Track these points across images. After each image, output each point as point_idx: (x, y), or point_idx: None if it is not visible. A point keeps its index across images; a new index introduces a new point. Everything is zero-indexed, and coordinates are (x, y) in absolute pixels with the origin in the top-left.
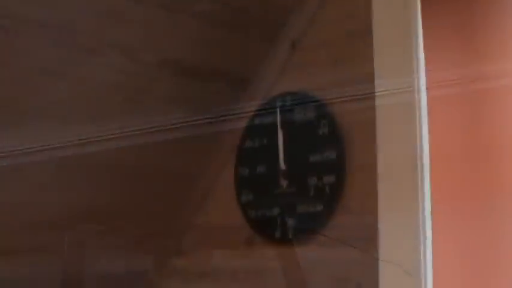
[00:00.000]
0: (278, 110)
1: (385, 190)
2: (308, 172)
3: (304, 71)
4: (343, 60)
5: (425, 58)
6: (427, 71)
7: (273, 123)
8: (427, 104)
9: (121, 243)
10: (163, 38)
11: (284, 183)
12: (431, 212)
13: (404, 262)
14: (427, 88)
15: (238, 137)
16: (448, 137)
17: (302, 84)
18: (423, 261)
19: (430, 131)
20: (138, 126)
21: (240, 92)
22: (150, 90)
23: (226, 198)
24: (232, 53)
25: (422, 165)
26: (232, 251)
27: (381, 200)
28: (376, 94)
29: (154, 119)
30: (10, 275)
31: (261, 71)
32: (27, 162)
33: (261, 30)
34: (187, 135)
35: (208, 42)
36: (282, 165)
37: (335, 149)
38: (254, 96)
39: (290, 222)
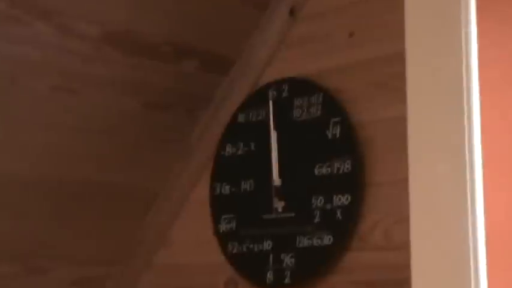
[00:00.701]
0: (271, 103)
1: (420, 216)
2: (312, 190)
3: (306, 49)
4: (361, 33)
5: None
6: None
7: (264, 122)
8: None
9: None
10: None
11: (279, 205)
12: (485, 246)
13: None
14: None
15: (215, 142)
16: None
17: (304, 68)
18: None
19: (482, 133)
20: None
21: (218, 77)
22: (89, 74)
23: (198, 226)
24: (208, 24)
25: (473, 180)
26: None
27: (415, 230)
28: (408, 81)
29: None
30: None
31: (248, 49)
32: None
33: None
34: (140, 137)
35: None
36: (276, 180)
37: (350, 158)
38: (238, 84)
39: (287, 260)
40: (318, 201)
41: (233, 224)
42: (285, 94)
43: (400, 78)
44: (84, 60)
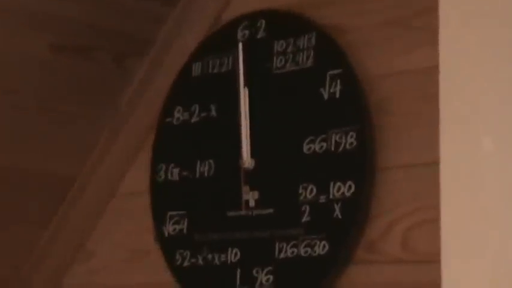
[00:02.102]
0: (240, 46)
1: (456, 214)
2: (299, 175)
3: None
4: None
5: None
6: None
7: (230, 75)
8: None
9: None
10: None
11: (251, 197)
12: None
13: None
14: None
15: (158, 104)
16: None
17: None
18: None
19: None
20: None
21: (162, 8)
22: None
23: (131, 230)
24: None
25: None
26: None
27: (447, 235)
28: (441, 17)
29: None
30: None
31: None
32: None
33: None
34: (44, 96)
35: None
36: (247, 160)
37: (354, 129)
38: (191, 19)
39: (262, 277)
40: (308, 192)
41: (184, 225)
42: (260, 34)
43: (428, 13)
44: None
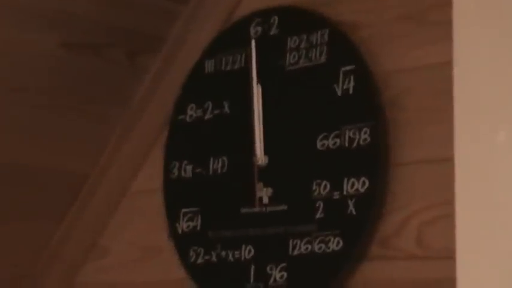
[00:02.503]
0: (253, 43)
1: (471, 209)
2: (313, 172)
3: None
4: None
5: None
6: None
7: (243, 72)
8: None
9: None
10: None
11: (264, 194)
12: None
13: None
14: None
15: (171, 102)
16: None
17: None
18: None
19: None
20: None
21: (175, 5)
22: None
23: (145, 227)
24: None
25: None
26: None
27: (463, 230)
28: (456, 11)
29: None
30: None
31: None
32: None
33: None
34: (56, 93)
35: None
36: (261, 157)
37: (368, 125)
38: (204, 16)
39: (276, 274)
40: (322, 189)
41: (197, 222)
42: (273, 31)
43: (442, 8)
44: None
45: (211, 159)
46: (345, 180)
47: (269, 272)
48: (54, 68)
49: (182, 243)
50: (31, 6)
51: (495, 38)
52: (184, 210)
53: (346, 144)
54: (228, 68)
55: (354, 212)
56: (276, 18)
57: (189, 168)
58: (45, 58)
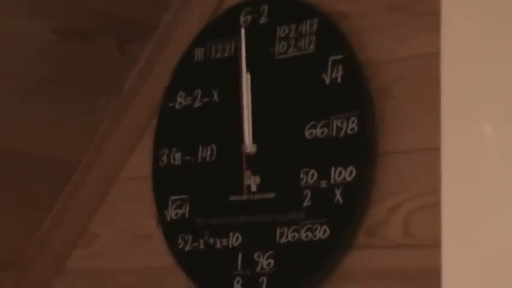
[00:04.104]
0: (243, 32)
1: (456, 198)
2: (301, 160)
3: None
4: None
5: None
6: None
7: (232, 60)
8: None
9: None
10: None
11: (252, 182)
12: None
13: None
14: None
15: (160, 89)
16: None
17: None
18: None
19: None
20: None
21: None
22: None
23: (133, 214)
24: None
25: None
26: None
27: (448, 219)
28: (444, 2)
29: None
30: None
31: None
32: None
33: None
34: (47, 82)
35: None
36: (249, 145)
37: (356, 114)
38: (193, 4)
39: (263, 261)
40: (309, 177)
41: (186, 209)
42: (263, 20)
43: None
44: None
45: (200, 147)
46: (333, 169)
47: (256, 259)
48: (44, 54)
49: (171, 230)
50: None
51: (483, 29)
52: (173, 197)
53: (334, 134)
54: (218, 56)
55: (341, 201)
56: (266, 7)
57: (178, 155)
58: (36, 45)
